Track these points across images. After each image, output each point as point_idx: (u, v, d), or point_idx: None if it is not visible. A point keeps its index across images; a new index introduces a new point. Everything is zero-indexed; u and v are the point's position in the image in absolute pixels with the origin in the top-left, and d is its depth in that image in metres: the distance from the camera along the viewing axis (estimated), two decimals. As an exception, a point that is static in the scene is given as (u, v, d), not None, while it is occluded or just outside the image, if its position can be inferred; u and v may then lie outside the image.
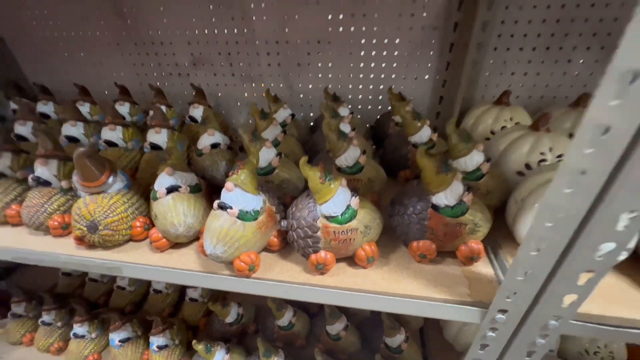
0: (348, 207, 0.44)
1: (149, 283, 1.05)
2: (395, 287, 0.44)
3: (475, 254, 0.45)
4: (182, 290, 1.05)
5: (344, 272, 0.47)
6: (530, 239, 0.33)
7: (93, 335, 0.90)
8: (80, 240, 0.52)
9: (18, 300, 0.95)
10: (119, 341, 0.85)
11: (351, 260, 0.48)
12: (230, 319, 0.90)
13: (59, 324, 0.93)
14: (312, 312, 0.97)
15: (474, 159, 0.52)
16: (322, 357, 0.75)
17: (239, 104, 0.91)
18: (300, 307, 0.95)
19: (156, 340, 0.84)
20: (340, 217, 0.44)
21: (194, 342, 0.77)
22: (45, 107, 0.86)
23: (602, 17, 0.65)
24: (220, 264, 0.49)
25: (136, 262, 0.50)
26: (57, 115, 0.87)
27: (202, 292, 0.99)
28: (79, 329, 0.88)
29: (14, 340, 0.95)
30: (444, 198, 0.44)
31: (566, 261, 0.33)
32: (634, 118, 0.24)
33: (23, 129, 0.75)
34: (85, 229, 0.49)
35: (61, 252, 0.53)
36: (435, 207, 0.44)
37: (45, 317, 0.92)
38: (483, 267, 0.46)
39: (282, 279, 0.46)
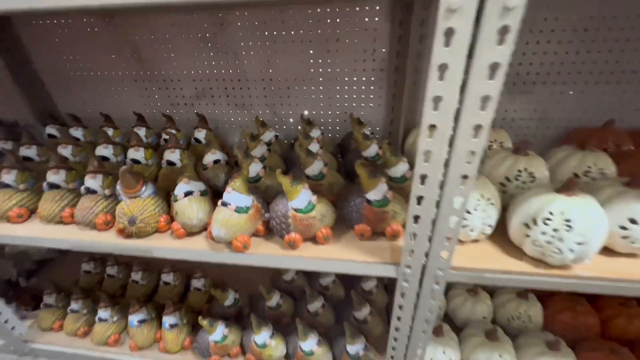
0: (309, 202, 0.66)
1: (158, 277, 1.24)
2: (343, 256, 0.65)
3: (396, 232, 0.67)
4: (187, 282, 1.24)
5: (308, 248, 0.68)
6: (410, 214, 0.54)
7: (114, 319, 1.08)
8: (121, 231, 0.72)
9: (50, 292, 1.13)
10: (137, 321, 1.04)
11: (314, 239, 0.69)
12: (228, 302, 1.09)
13: (84, 311, 1.11)
14: (295, 297, 1.17)
15: (400, 168, 0.74)
16: (302, 325, 0.94)
17: (234, 127, 1.13)
18: (286, 292, 1.15)
19: (168, 320, 1.03)
20: (303, 209, 0.65)
21: (199, 317, 0.96)
22: (76, 132, 1.07)
23: (523, 62, 0.88)
24: (222, 245, 0.70)
25: (162, 246, 0.71)
26: (85, 138, 1.08)
27: (204, 282, 1.19)
28: (103, 313, 1.07)
29: (46, 326, 1.13)
30: (373, 195, 0.66)
31: (436, 229, 0.55)
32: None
33: (29, 151, 0.93)
34: (126, 222, 0.70)
35: (105, 241, 0.73)
36: (368, 201, 0.66)
37: (74, 306, 1.10)
38: (402, 242, 0.68)
39: (265, 253, 0.67)
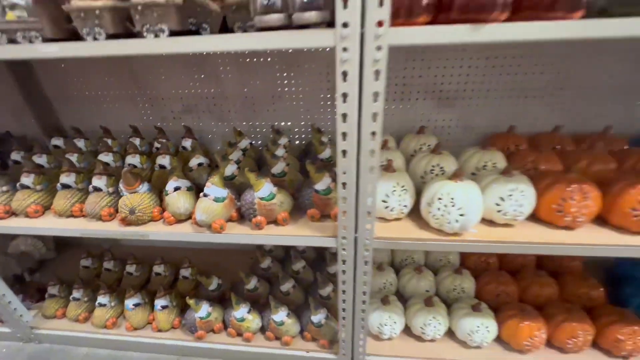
0: (271, 192, 0.86)
1: (150, 269, 1.41)
2: (299, 233, 0.85)
3: (337, 214, 0.87)
4: (176, 273, 1.41)
5: (271, 228, 0.88)
6: (339, 196, 0.75)
7: (112, 304, 1.24)
8: (123, 220, 0.90)
9: (53, 284, 1.29)
10: (133, 305, 1.21)
11: (276, 222, 0.89)
12: (212, 287, 1.27)
13: (85, 299, 1.27)
14: (271, 282, 1.35)
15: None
16: (274, 301, 1.13)
17: (216, 137, 1.33)
18: (263, 277, 1.33)
19: (160, 302, 1.20)
20: (266, 197, 0.85)
21: (187, 297, 1.14)
22: (79, 143, 1.25)
23: (435, 81, 1.11)
24: (204, 229, 0.89)
25: (156, 231, 0.90)
26: (86, 148, 1.26)
27: (191, 271, 1.36)
28: (102, 299, 1.23)
29: (49, 314, 1.28)
30: (320, 185, 0.86)
31: (359, 206, 0.76)
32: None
33: (40, 159, 1.11)
34: (127, 212, 0.88)
35: (110, 229, 0.92)
36: (316, 191, 0.87)
37: (75, 294, 1.26)
38: (344, 222, 0.88)
39: (238, 233, 0.87)
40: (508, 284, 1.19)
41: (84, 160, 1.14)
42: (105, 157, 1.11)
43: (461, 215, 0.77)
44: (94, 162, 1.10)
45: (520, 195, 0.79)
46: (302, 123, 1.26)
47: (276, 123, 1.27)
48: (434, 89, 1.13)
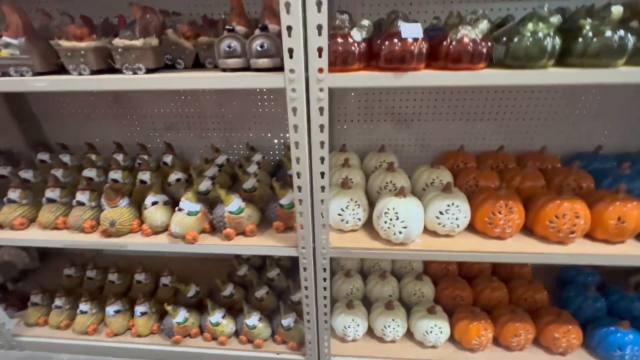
0: (239, 207, 0.96)
1: (132, 276, 1.48)
2: (264, 243, 0.95)
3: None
4: (156, 281, 1.48)
5: (240, 239, 0.98)
6: (297, 210, 0.85)
7: (94, 311, 1.31)
8: (104, 232, 0.99)
9: (36, 292, 1.34)
10: (113, 312, 1.27)
11: (244, 233, 0.99)
12: (190, 294, 1.35)
13: (67, 307, 1.33)
14: (247, 289, 1.43)
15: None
16: (247, 306, 1.21)
17: (195, 152, 1.43)
18: (240, 284, 1.42)
19: (139, 308, 1.27)
20: (235, 211, 0.95)
21: (165, 304, 1.21)
22: (65, 158, 1.32)
23: (394, 105, 1.24)
24: (178, 239, 0.98)
25: (134, 241, 0.98)
26: (71, 162, 1.34)
27: (171, 279, 1.43)
28: (84, 306, 1.29)
29: (32, 322, 1.33)
30: (284, 200, 0.97)
31: (315, 219, 0.86)
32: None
33: (27, 174, 1.19)
34: (108, 225, 0.97)
35: (92, 240, 1.00)
36: (281, 205, 0.97)
37: (58, 302, 1.31)
38: (306, 233, 0.99)
39: (209, 244, 0.96)
40: (463, 288, 1.30)
41: (69, 175, 1.21)
42: (89, 173, 1.19)
43: (404, 227, 0.88)
44: (79, 177, 1.19)
45: (456, 209, 0.90)
46: (276, 141, 1.37)
47: (252, 138, 1.38)
48: (393, 112, 1.25)
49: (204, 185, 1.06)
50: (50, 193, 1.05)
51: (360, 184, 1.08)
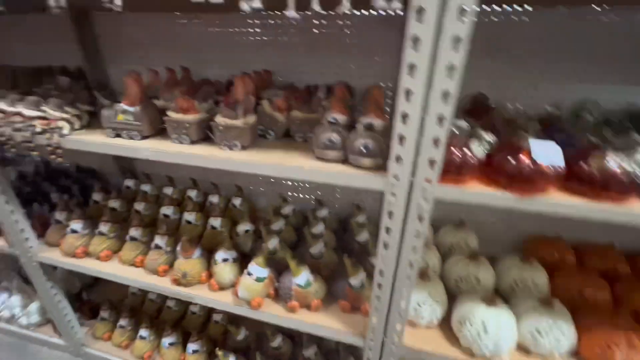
0: (308, 280, 0.92)
1: (187, 306, 1.53)
2: (329, 324, 0.90)
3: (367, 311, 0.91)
4: (209, 314, 1.51)
5: (304, 314, 0.94)
6: (373, 294, 0.78)
7: (151, 338, 1.37)
8: (175, 280, 1.02)
9: (105, 308, 1.45)
10: (169, 344, 1.32)
11: (309, 307, 0.95)
12: (240, 337, 1.35)
13: (129, 328, 1.41)
14: (295, 340, 1.40)
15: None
16: (296, 368, 1.17)
17: (262, 194, 1.45)
18: (288, 335, 1.38)
19: (192, 346, 1.30)
20: (303, 285, 0.91)
21: (217, 349, 1.22)
22: (146, 187, 1.42)
23: None
24: (243, 302, 0.97)
25: (201, 295, 1.00)
26: (151, 192, 1.43)
27: (222, 317, 1.45)
28: (143, 332, 1.36)
29: (98, 335, 1.44)
30: (354, 280, 0.91)
31: (392, 311, 0.79)
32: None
33: (115, 203, 1.28)
34: (180, 276, 1.00)
35: (163, 285, 1.03)
36: (350, 285, 0.92)
37: (122, 322, 1.40)
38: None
39: (273, 313, 0.93)
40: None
41: (149, 209, 1.30)
42: (167, 210, 1.26)
43: (492, 342, 0.76)
44: (157, 210, 1.26)
45: (558, 332, 0.77)
46: (339, 197, 1.33)
47: (318, 193, 1.35)
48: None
49: (272, 243, 1.05)
50: (134, 232, 1.12)
51: (436, 269, 0.99)
